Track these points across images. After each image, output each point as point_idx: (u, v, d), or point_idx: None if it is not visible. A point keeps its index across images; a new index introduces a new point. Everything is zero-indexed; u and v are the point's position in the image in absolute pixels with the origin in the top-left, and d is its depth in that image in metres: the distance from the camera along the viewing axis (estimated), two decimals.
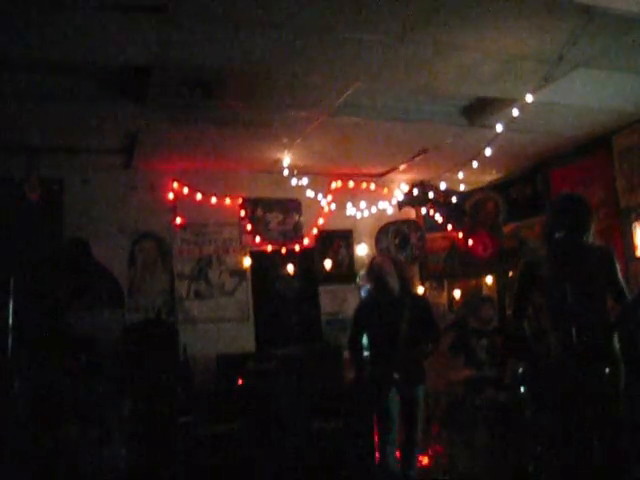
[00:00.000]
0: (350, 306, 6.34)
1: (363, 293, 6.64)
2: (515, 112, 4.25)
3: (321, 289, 6.78)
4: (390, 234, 7.08)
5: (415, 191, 6.64)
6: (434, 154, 5.95)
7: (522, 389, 4.64)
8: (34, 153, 5.38)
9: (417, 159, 6.15)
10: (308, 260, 6.76)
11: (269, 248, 6.59)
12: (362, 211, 6.79)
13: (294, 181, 6.20)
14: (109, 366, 5.18)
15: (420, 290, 6.94)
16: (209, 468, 4.88)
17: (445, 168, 6.28)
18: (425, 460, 5.04)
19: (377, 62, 3.98)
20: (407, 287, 4.71)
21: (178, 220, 6.24)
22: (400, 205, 6.73)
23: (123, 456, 4.63)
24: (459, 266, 7.01)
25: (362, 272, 6.49)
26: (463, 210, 6.76)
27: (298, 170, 6.09)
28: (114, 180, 6.05)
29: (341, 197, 6.75)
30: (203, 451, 4.93)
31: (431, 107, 5.03)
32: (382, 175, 6.85)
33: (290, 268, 6.66)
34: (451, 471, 4.83)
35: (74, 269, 5.74)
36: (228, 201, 6.43)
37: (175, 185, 6.24)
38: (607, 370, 3.36)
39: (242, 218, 6.53)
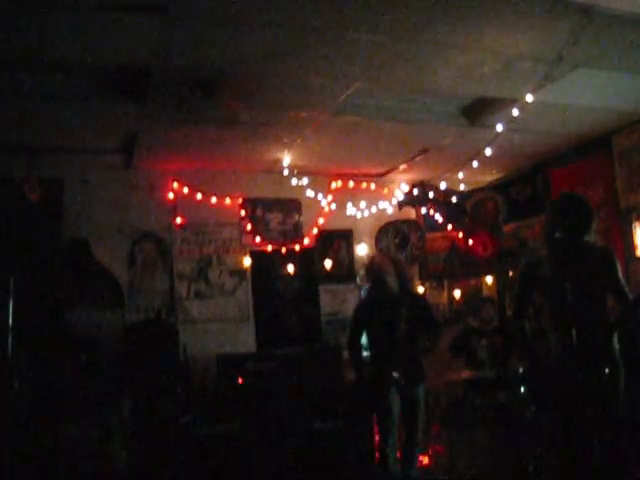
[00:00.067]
0: (350, 306, 6.33)
1: (363, 293, 6.64)
2: (515, 112, 4.25)
3: (321, 289, 6.78)
4: (390, 234, 7.08)
5: (415, 191, 6.65)
6: (434, 154, 5.95)
7: (522, 389, 4.64)
8: (34, 153, 5.39)
9: (417, 159, 6.15)
10: (308, 260, 6.76)
11: (269, 248, 6.59)
12: (362, 211, 6.79)
13: (294, 181, 6.20)
14: (109, 366, 5.18)
15: (420, 290, 6.94)
16: (209, 468, 4.88)
17: (445, 168, 6.29)
18: (425, 460, 5.04)
19: (377, 62, 3.99)
20: (406, 286, 4.70)
21: (178, 220, 6.24)
22: (400, 205, 6.73)
23: (123, 456, 4.63)
24: (459, 266, 7.01)
25: (362, 272, 6.49)
26: (463, 210, 6.76)
27: (298, 170, 6.10)
28: (114, 180, 6.04)
29: (341, 197, 6.75)
30: (203, 451, 4.93)
31: (431, 107, 5.03)
32: (382, 175, 6.85)
33: (290, 268, 6.65)
34: (451, 471, 4.83)
35: (74, 269, 5.74)
36: (228, 201, 6.43)
37: (175, 185, 6.24)
38: (607, 370, 3.36)
39: (242, 218, 6.53)
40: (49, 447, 4.40)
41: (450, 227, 6.92)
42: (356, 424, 5.21)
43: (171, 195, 6.23)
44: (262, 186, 6.56)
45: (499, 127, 4.43)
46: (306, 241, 6.76)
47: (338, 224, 6.87)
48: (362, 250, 6.96)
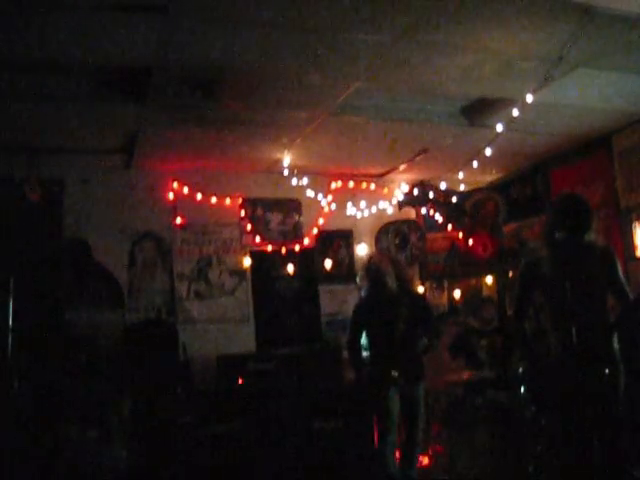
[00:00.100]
0: (350, 306, 6.28)
1: (363, 293, 6.63)
2: (515, 112, 4.25)
3: (321, 289, 6.77)
4: (390, 234, 7.08)
5: (415, 191, 6.64)
6: (434, 154, 5.95)
7: (522, 389, 4.64)
8: (34, 153, 5.39)
9: (417, 159, 6.14)
10: (308, 260, 6.76)
11: (269, 248, 6.59)
12: (362, 211, 6.78)
13: (294, 181, 6.20)
14: (109, 366, 5.18)
15: (420, 290, 6.93)
16: (209, 468, 4.88)
17: (445, 168, 6.28)
18: (425, 460, 5.04)
19: (377, 62, 3.98)
20: (405, 286, 4.69)
21: (178, 220, 6.24)
22: (400, 205, 6.73)
23: (123, 456, 4.63)
24: (459, 266, 7.01)
25: (361, 272, 6.49)
26: (463, 210, 6.75)
27: (298, 170, 6.09)
28: (114, 180, 6.04)
29: (341, 197, 6.75)
30: (203, 451, 4.93)
31: (431, 107, 5.02)
32: (382, 175, 6.85)
33: (290, 268, 6.65)
34: (451, 471, 4.83)
35: (74, 269, 5.74)
36: (228, 201, 6.43)
37: (175, 185, 6.23)
38: (607, 370, 3.36)
39: (242, 218, 6.53)
40: (49, 447, 4.40)
41: (450, 227, 6.92)
42: (356, 424, 5.21)
43: (171, 195, 6.22)
44: (262, 186, 6.55)
45: (499, 127, 4.42)
46: (306, 241, 6.76)
47: (338, 224, 6.86)
48: (362, 250, 6.96)
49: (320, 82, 4.26)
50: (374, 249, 6.93)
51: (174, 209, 6.24)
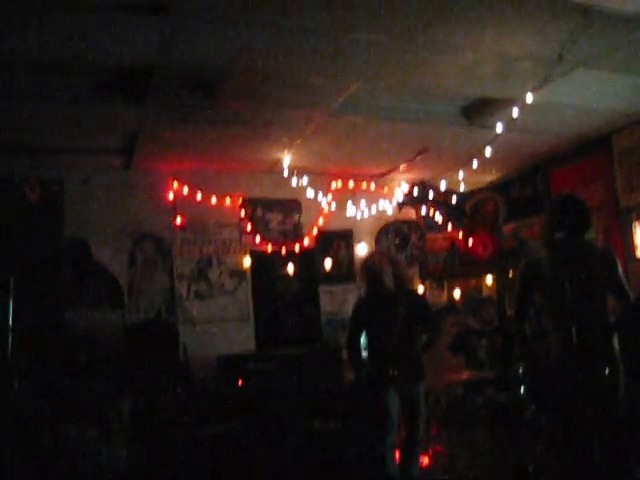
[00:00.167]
0: (350, 306, 6.29)
1: (362, 293, 6.63)
2: (515, 112, 4.25)
3: (321, 289, 6.78)
4: (390, 234, 7.08)
5: (415, 191, 6.65)
6: (434, 154, 5.96)
7: (522, 389, 4.64)
8: (34, 153, 5.38)
9: (417, 159, 6.15)
10: (308, 260, 6.76)
11: (269, 248, 6.59)
12: (362, 211, 6.78)
13: (294, 181, 6.19)
14: (109, 366, 5.18)
15: (420, 290, 6.94)
16: (209, 468, 4.88)
17: (445, 168, 6.28)
18: (425, 460, 5.04)
19: (377, 62, 3.99)
20: (403, 285, 4.67)
21: (178, 220, 6.24)
22: (400, 205, 6.73)
23: (123, 456, 4.63)
24: (459, 266, 7.02)
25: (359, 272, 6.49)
26: (463, 210, 6.76)
27: (298, 170, 6.09)
28: (114, 180, 6.05)
29: (341, 197, 6.75)
30: (203, 451, 4.93)
31: (431, 107, 5.03)
32: (382, 175, 6.85)
33: (290, 268, 6.65)
34: (451, 471, 4.83)
35: (74, 269, 5.75)
36: (228, 201, 6.43)
37: (175, 185, 6.23)
38: (607, 370, 3.36)
39: (242, 218, 6.53)
40: (49, 447, 4.40)
41: (450, 227, 6.93)
42: (356, 424, 5.21)
43: (171, 195, 6.22)
44: (262, 186, 6.56)
45: (499, 127, 4.42)
46: (306, 241, 6.76)
47: (338, 224, 6.87)
48: (362, 250, 6.96)
49: (320, 82, 4.27)
50: (374, 249, 6.93)
51: (174, 209, 6.24)
